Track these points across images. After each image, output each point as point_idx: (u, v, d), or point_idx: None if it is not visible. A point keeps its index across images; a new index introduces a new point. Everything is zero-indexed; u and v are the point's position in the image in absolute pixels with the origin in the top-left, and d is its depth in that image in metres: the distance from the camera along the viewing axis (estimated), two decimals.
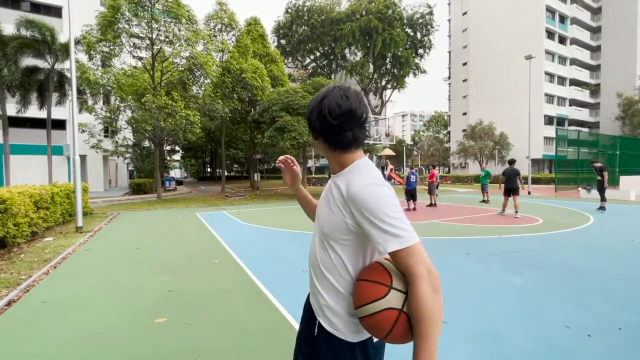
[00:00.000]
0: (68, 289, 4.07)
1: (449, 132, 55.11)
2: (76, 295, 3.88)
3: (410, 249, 0.88)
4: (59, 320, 3.19)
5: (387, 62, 32.94)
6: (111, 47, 16.19)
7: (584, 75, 43.03)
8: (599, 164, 10.85)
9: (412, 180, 11.40)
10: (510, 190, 9.50)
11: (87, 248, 6.32)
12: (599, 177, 10.62)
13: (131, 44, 17.04)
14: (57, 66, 17.36)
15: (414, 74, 34.57)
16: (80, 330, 2.96)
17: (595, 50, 44.03)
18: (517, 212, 9.31)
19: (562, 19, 40.74)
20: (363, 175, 0.99)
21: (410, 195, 11.42)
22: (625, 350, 2.49)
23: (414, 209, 11.28)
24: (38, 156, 19.38)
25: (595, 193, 12.18)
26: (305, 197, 1.44)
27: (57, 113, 19.62)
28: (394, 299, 0.92)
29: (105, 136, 21.25)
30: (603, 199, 10.53)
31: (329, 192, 1.08)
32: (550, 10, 39.12)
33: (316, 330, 1.11)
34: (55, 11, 21.43)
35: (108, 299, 3.71)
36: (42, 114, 18.19)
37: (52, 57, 16.87)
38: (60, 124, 21.09)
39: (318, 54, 35.70)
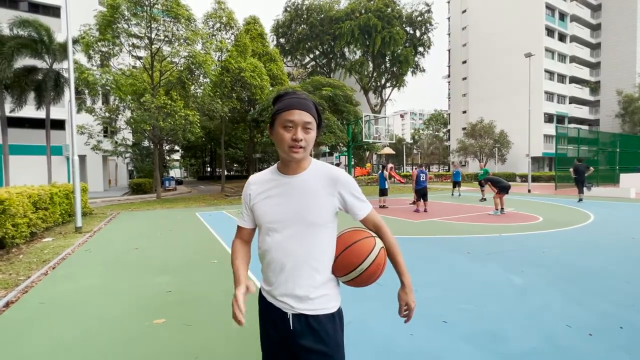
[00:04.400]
0: (67, 290, 4.06)
1: (448, 131, 55.03)
2: (75, 296, 3.86)
3: (373, 209, 1.25)
4: (57, 322, 3.17)
5: (387, 60, 32.90)
6: (110, 47, 16.13)
7: (584, 72, 42.97)
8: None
9: (422, 179, 10.70)
10: (506, 189, 9.66)
11: (86, 248, 6.30)
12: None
13: (130, 43, 16.98)
14: (56, 66, 17.31)
15: (413, 72, 34.55)
16: (78, 331, 2.94)
17: (595, 47, 43.96)
18: (501, 209, 9.68)
19: (562, 16, 40.65)
20: (328, 165, 1.22)
21: (421, 195, 10.63)
22: (627, 349, 2.47)
23: (425, 210, 10.48)
24: (37, 156, 19.33)
25: (595, 190, 12.47)
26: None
27: (56, 113, 19.58)
28: (379, 241, 1.22)
29: (104, 136, 21.21)
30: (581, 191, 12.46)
31: (307, 185, 1.16)
32: (550, 8, 39.03)
33: (295, 324, 1.15)
34: (54, 11, 21.38)
35: (106, 300, 3.70)
36: (41, 114, 18.13)
37: (50, 57, 16.81)
38: (59, 124, 21.05)
39: (317, 52, 35.63)
